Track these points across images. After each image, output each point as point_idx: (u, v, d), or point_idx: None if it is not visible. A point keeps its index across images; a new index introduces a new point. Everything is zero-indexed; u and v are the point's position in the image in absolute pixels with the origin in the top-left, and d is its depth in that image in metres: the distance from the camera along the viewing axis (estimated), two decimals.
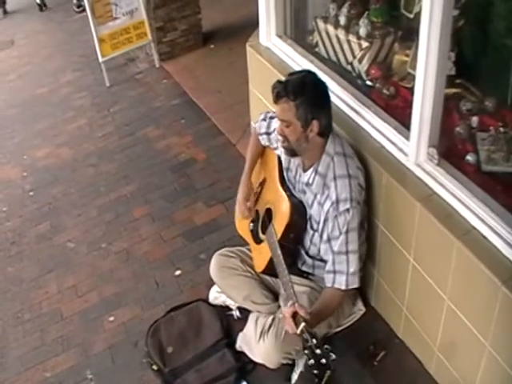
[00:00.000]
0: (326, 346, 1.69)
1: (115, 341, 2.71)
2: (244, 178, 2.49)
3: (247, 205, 2.45)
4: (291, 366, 2.28)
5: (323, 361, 1.66)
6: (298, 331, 1.78)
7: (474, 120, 2.11)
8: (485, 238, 1.82)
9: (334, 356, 1.66)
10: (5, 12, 7.80)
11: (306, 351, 1.71)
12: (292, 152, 2.16)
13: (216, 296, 2.65)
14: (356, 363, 2.32)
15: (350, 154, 2.14)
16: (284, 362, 2.19)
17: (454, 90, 2.17)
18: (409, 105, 2.11)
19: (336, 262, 2.09)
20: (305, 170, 2.21)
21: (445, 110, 2.01)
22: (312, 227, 2.22)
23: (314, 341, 1.70)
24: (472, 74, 2.21)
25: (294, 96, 2.01)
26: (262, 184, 2.48)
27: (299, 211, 2.22)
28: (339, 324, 2.39)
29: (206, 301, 2.70)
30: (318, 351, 1.68)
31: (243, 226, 2.55)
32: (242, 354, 2.38)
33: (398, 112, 2.28)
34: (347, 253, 2.08)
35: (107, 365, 2.61)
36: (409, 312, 2.25)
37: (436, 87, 1.92)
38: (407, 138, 2.12)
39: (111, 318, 2.83)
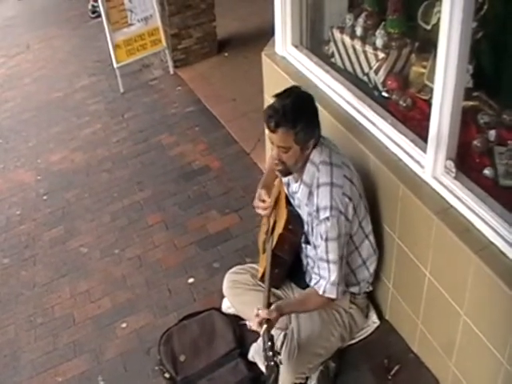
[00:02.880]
0: (277, 350, 1.84)
1: (127, 347, 2.71)
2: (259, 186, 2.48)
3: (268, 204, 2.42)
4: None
5: (271, 363, 1.79)
6: (261, 332, 1.90)
7: (492, 133, 2.10)
8: (503, 253, 1.81)
9: (280, 358, 1.82)
10: None
11: (263, 353, 1.84)
12: (287, 173, 2.15)
13: (229, 305, 2.64)
14: (370, 377, 2.31)
15: (338, 164, 2.10)
16: (297, 381, 2.19)
17: (471, 103, 2.15)
18: (426, 117, 2.10)
19: (320, 267, 2.10)
20: (296, 181, 2.21)
21: (462, 122, 2.00)
22: (308, 241, 2.22)
23: (269, 343, 1.82)
24: (490, 87, 2.19)
25: (293, 124, 1.98)
26: (277, 199, 2.49)
27: (295, 223, 2.23)
28: (353, 337, 2.39)
29: (219, 310, 2.71)
30: (269, 353, 1.81)
31: (261, 241, 2.58)
32: (255, 364, 2.38)
33: (415, 124, 2.27)
34: (328, 261, 2.07)
35: (119, 371, 2.62)
36: (424, 326, 2.24)
37: (454, 100, 1.91)
38: (424, 150, 2.11)
39: (124, 325, 2.83)
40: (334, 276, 2.07)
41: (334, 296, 2.11)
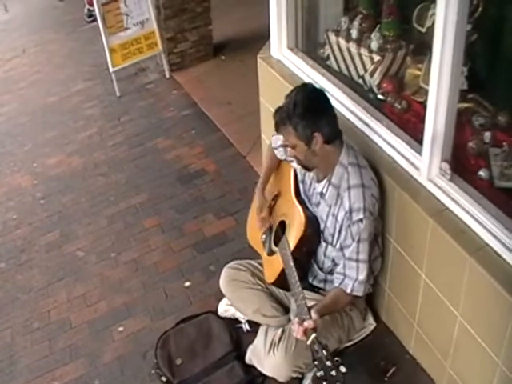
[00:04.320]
0: (336, 359, 1.68)
1: (124, 351, 2.71)
2: (258, 191, 2.49)
3: (261, 216, 2.45)
4: (300, 379, 2.27)
5: (333, 373, 1.65)
6: (309, 342, 1.79)
7: (487, 135, 2.11)
8: (498, 254, 1.81)
9: (344, 369, 1.65)
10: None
11: (316, 362, 1.70)
12: (306, 168, 2.18)
13: (226, 309, 2.65)
14: (367, 379, 2.31)
15: (365, 165, 2.14)
16: (294, 375, 2.18)
17: (466, 105, 2.16)
18: (421, 119, 2.11)
19: (347, 266, 2.11)
20: (319, 181, 2.21)
21: (457, 124, 2.00)
22: (326, 240, 2.22)
23: (325, 352, 1.70)
24: (484, 89, 2.21)
25: (288, 120, 2.03)
26: (276, 197, 2.48)
27: (313, 225, 2.22)
28: (350, 339, 2.38)
29: (215, 313, 2.70)
30: (328, 363, 1.67)
31: (255, 237, 2.55)
32: (252, 367, 2.37)
33: (410, 126, 2.28)
34: (357, 261, 2.09)
35: (116, 375, 2.61)
36: (420, 328, 2.24)
37: (449, 102, 1.92)
38: (419, 152, 2.11)
39: (120, 329, 2.83)
40: (362, 275, 2.10)
41: (361, 294, 2.14)
